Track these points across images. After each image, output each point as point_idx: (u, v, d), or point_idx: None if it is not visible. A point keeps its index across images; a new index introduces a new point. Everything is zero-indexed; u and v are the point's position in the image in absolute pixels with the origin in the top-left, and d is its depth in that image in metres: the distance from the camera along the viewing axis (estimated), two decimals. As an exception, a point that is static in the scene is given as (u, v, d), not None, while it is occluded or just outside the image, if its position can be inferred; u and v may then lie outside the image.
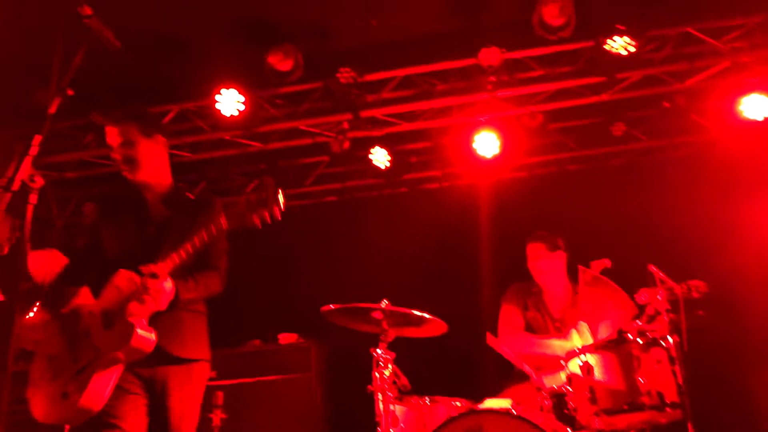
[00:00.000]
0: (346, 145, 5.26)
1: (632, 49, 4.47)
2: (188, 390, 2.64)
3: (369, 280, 5.09)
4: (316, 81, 4.96)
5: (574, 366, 2.97)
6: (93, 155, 5.52)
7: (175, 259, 2.43)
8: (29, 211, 1.72)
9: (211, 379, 4.86)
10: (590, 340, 3.49)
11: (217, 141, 5.46)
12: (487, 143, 5.20)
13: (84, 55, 1.96)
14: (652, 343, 2.88)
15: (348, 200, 6.13)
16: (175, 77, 5.01)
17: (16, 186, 1.69)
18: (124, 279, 2.47)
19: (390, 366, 3.19)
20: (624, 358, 2.84)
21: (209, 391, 4.81)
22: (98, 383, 2.42)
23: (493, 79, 4.76)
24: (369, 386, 3.19)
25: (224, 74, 4.85)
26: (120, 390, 2.50)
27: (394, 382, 3.22)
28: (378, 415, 3.13)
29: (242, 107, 4.90)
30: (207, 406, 4.75)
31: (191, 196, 2.89)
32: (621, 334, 2.98)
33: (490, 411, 2.80)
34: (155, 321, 2.51)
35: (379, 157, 5.44)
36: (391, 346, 3.25)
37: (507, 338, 3.74)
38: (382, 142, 5.42)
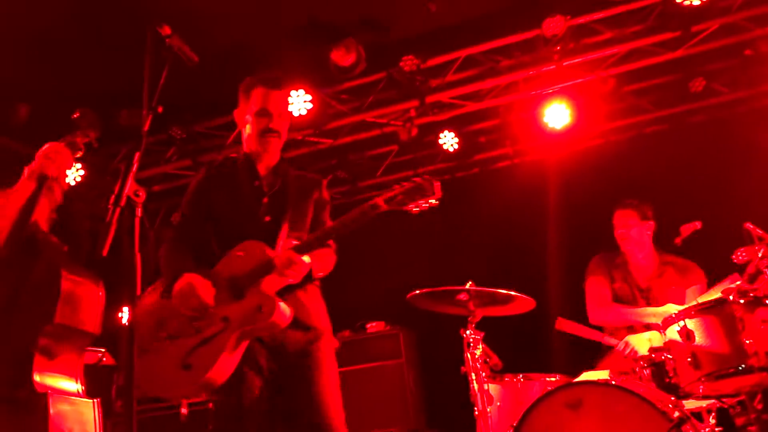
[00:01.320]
0: (414, 132, 5.29)
1: (706, -1, 4.24)
2: (327, 360, 2.57)
3: (451, 263, 5.12)
4: (380, 72, 5.02)
5: (673, 332, 2.88)
6: (175, 167, 5.83)
7: (320, 237, 2.41)
8: (137, 223, 1.85)
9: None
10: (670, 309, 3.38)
11: (289, 142, 5.60)
12: (557, 115, 5.10)
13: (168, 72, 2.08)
14: (756, 302, 2.74)
15: (421, 187, 6.15)
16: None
17: (123, 201, 1.81)
18: (254, 249, 2.40)
19: (480, 346, 3.20)
20: (726, 320, 2.72)
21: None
22: (228, 356, 2.31)
23: (558, 48, 4.65)
24: (462, 367, 3.21)
25: (290, 76, 4.98)
26: (256, 362, 2.42)
27: (486, 362, 3.23)
28: (473, 396, 3.15)
29: (310, 106, 5.02)
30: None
31: (297, 172, 2.80)
32: (721, 296, 2.86)
33: (589, 382, 2.77)
34: (283, 294, 2.44)
35: (448, 141, 5.44)
36: (479, 326, 3.26)
37: (597, 311, 3.67)
38: (450, 125, 5.42)
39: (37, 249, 2.88)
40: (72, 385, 2.85)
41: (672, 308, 3.36)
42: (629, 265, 3.79)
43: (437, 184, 2.34)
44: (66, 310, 2.81)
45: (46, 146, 2.84)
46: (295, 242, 2.39)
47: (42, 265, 2.86)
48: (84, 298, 2.91)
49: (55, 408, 2.66)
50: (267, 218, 2.55)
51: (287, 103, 2.80)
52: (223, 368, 2.32)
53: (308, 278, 2.50)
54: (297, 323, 2.45)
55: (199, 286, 2.39)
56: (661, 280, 3.70)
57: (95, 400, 2.92)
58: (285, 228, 2.50)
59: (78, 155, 2.97)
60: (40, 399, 2.63)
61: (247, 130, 2.66)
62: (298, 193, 2.62)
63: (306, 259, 2.39)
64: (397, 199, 2.34)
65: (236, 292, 2.41)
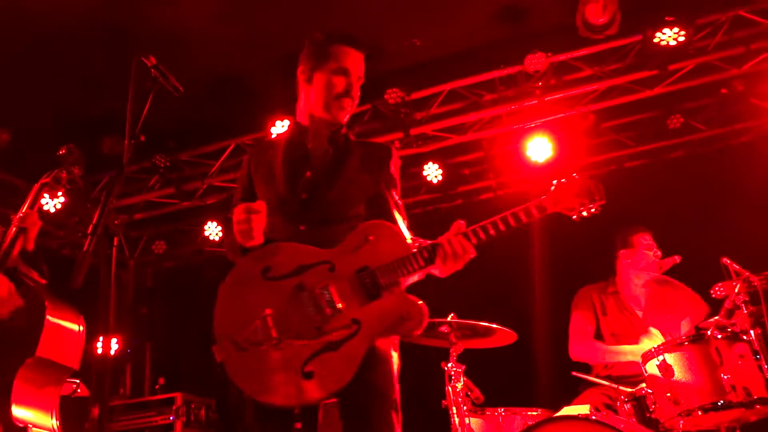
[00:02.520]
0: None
1: (683, 39, 4.37)
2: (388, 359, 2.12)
3: (432, 295, 5.09)
4: (365, 104, 5.07)
5: (652, 367, 2.89)
6: (158, 196, 5.80)
7: (493, 224, 2.02)
8: (114, 252, 1.84)
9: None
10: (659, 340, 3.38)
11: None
12: (539, 148, 5.16)
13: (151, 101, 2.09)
14: (733, 337, 2.78)
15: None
16: (229, 113, 5.22)
17: (100, 230, 1.80)
18: (391, 237, 1.99)
19: (462, 379, 3.18)
20: (704, 355, 2.75)
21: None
22: (357, 364, 1.90)
23: (540, 84, 4.74)
24: (443, 401, 3.19)
25: (276, 105, 5.02)
26: None
27: (467, 395, 3.21)
28: (454, 429, 3.13)
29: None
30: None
31: (361, 139, 2.45)
32: (698, 330, 2.89)
33: (570, 417, 2.75)
34: None
35: (432, 172, 5.48)
36: (461, 359, 3.25)
37: (577, 348, 3.66)
38: (434, 157, 5.46)
39: (19, 283, 2.89)
40: (48, 421, 2.82)
41: (647, 345, 3.36)
42: (621, 293, 3.76)
43: (602, 187, 2.08)
44: (48, 344, 2.81)
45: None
46: (462, 225, 1.99)
47: (25, 299, 2.87)
48: (65, 332, 2.91)
49: None
50: (303, 195, 2.14)
51: (364, 69, 2.28)
52: (349, 378, 1.92)
53: None
54: None
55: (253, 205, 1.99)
56: (655, 309, 3.64)
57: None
58: (348, 194, 2.12)
59: (61, 191, 3.04)
60: None
61: (315, 92, 2.25)
62: (357, 164, 2.20)
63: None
64: (564, 197, 2.06)
65: (371, 291, 1.96)
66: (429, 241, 2.06)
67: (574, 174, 2.09)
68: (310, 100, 2.27)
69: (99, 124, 4.94)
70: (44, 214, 5.43)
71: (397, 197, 2.25)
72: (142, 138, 2.06)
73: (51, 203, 5.38)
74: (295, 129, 2.31)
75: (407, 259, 1.96)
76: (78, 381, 5.03)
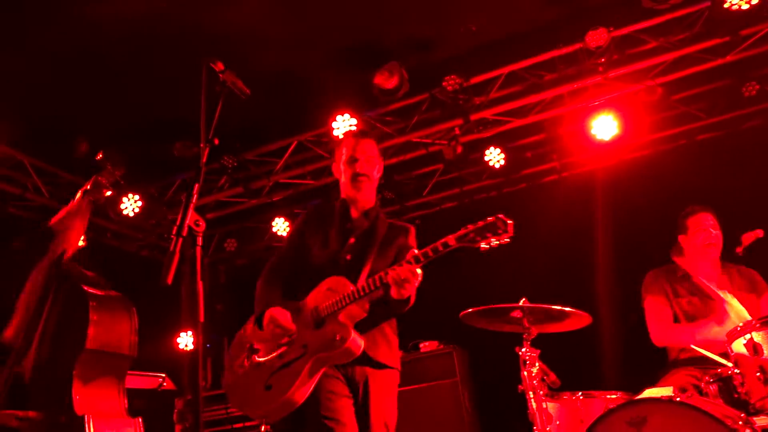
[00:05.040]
0: (459, 150, 5.31)
1: (756, 2, 4.14)
2: (389, 394, 2.66)
3: (502, 281, 5.08)
4: (423, 93, 5.07)
5: (739, 346, 2.78)
6: (227, 196, 6.00)
7: (419, 257, 2.42)
8: (198, 252, 1.92)
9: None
10: (745, 314, 3.24)
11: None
12: (604, 126, 5.03)
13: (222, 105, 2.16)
14: (826, 312, 2.64)
15: (467, 204, 6.16)
16: (291, 111, 5.33)
17: (185, 231, 1.88)
18: (338, 284, 2.56)
19: (537, 363, 3.16)
20: (796, 332, 2.62)
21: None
22: (304, 380, 2.46)
23: (603, 60, 4.61)
24: (519, 386, 3.17)
25: (335, 101, 5.09)
26: (331, 389, 2.53)
27: (543, 380, 3.18)
28: (531, 414, 3.11)
29: (356, 129, 5.10)
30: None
31: (389, 219, 2.95)
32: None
33: (653, 399, 2.68)
34: (359, 327, 2.54)
35: (494, 157, 5.43)
36: (535, 344, 3.22)
37: (660, 334, 3.53)
38: (495, 141, 5.41)
39: (66, 278, 3.07)
40: (112, 406, 2.97)
41: (733, 317, 3.23)
42: (693, 276, 3.63)
43: (510, 223, 2.37)
44: (97, 336, 2.95)
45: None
46: (415, 251, 2.44)
47: (71, 293, 3.03)
48: (115, 323, 3.05)
49: (94, 429, 2.78)
50: (348, 257, 2.71)
51: (374, 150, 2.91)
52: (299, 391, 2.47)
53: (381, 312, 2.61)
54: (365, 357, 2.56)
55: (279, 317, 2.59)
56: (730, 288, 3.52)
57: (137, 420, 3.03)
58: (367, 267, 2.63)
59: (106, 193, 3.21)
60: (80, 422, 2.76)
61: (342, 178, 2.89)
62: (385, 236, 2.77)
63: (419, 271, 2.45)
64: (468, 237, 2.39)
65: (317, 322, 2.57)
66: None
67: (489, 217, 2.40)
68: (342, 184, 2.91)
69: (169, 129, 5.14)
70: (124, 218, 5.71)
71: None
72: (216, 141, 2.14)
73: (129, 207, 5.65)
74: (341, 204, 2.90)
75: (342, 298, 2.53)
76: (164, 375, 5.30)
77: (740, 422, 2.58)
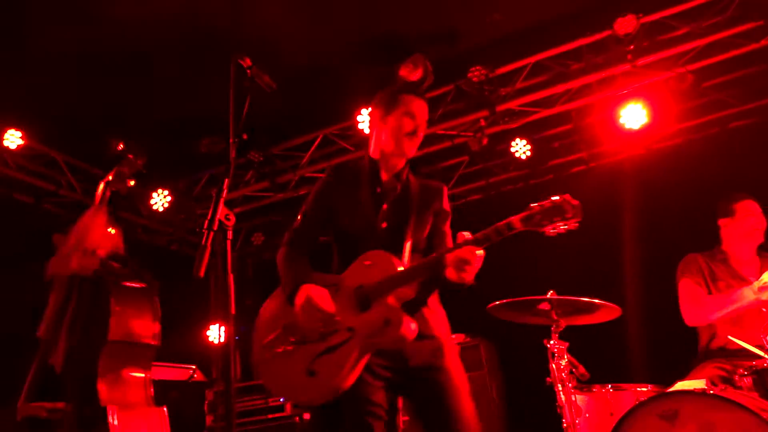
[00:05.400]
0: (485, 141, 5.27)
1: (791, -16, 4.03)
2: (456, 370, 2.43)
3: (529, 273, 5.04)
4: (448, 84, 5.04)
5: (774, 337, 2.72)
6: (253, 190, 6.06)
7: (491, 234, 2.21)
8: (228, 245, 1.95)
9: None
10: None
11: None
12: (634, 115, 4.94)
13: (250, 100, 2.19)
14: None
15: (494, 196, 6.12)
16: (316, 105, 5.35)
17: (215, 225, 1.92)
18: (383, 260, 2.33)
19: (565, 356, 3.14)
20: (835, 324, 2.56)
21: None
22: (351, 367, 2.27)
23: (631, 47, 4.52)
24: (547, 378, 3.16)
25: (360, 94, 5.09)
26: (372, 376, 2.33)
27: (572, 372, 3.16)
28: (560, 407, 3.09)
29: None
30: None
31: (420, 179, 2.68)
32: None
33: (685, 392, 2.64)
34: (407, 308, 2.33)
35: (520, 148, 5.39)
36: (563, 336, 3.20)
37: (693, 310, 3.46)
38: (521, 132, 5.36)
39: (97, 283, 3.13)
40: (137, 395, 3.01)
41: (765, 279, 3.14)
42: (731, 260, 3.57)
43: (577, 205, 2.16)
44: (119, 327, 2.99)
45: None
46: (467, 235, 2.24)
47: (96, 288, 3.08)
48: (137, 313, 3.08)
49: (117, 419, 2.82)
50: (383, 225, 2.47)
51: (427, 113, 2.63)
52: (346, 378, 2.29)
53: (429, 291, 2.42)
54: (420, 336, 2.34)
55: (316, 297, 2.34)
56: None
57: (162, 408, 3.07)
58: (408, 238, 2.42)
59: (129, 183, 3.23)
60: (104, 413, 2.81)
61: (385, 134, 2.56)
62: (420, 200, 2.53)
63: (480, 252, 2.24)
64: (534, 219, 2.18)
65: (362, 303, 2.34)
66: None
67: (554, 197, 2.21)
68: (382, 139, 2.59)
69: (198, 125, 5.21)
70: (153, 213, 5.82)
71: (447, 227, 2.59)
72: (245, 137, 2.16)
73: (159, 203, 5.75)
74: (370, 163, 2.61)
75: (391, 279, 2.31)
76: (194, 367, 5.39)
77: (776, 416, 2.52)
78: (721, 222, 3.62)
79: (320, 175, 5.82)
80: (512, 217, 2.22)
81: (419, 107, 2.57)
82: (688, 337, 3.57)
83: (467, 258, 2.21)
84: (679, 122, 5.31)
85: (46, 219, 5.60)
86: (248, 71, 2.23)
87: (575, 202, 2.16)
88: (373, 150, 2.63)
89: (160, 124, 5.28)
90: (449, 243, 2.50)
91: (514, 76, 4.96)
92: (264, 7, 4.38)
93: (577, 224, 2.17)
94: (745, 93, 5.08)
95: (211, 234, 1.89)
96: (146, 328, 3.15)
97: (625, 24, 4.36)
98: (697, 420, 2.54)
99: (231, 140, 2.12)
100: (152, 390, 3.14)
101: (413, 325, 2.28)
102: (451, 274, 2.24)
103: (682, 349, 3.59)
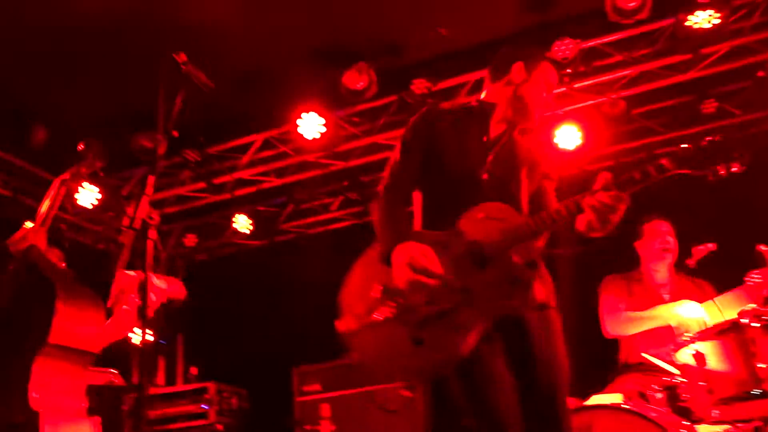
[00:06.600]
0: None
1: (717, 21, 4.27)
2: (559, 330, 2.16)
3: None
4: (391, 95, 5.07)
5: (685, 356, 2.84)
6: (188, 190, 5.90)
7: (624, 184, 1.95)
8: (149, 245, 1.89)
9: (316, 392, 5.09)
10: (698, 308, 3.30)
11: (301, 164, 5.67)
12: (568, 136, 5.10)
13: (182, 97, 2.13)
14: (770, 326, 2.71)
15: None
16: (257, 108, 5.27)
17: (137, 224, 1.85)
18: (503, 213, 2.04)
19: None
20: (740, 344, 2.69)
21: (315, 405, 5.02)
22: (469, 334, 1.93)
23: (569, 70, 4.67)
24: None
25: (303, 99, 5.06)
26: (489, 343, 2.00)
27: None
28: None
29: (323, 129, 5.09)
30: (314, 418, 4.92)
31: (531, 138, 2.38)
32: (735, 319, 2.83)
33: (600, 406, 2.73)
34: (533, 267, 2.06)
35: (460, 163, 5.46)
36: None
37: (610, 322, 3.60)
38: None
39: (34, 270, 2.95)
40: (71, 405, 2.85)
41: (687, 307, 3.29)
42: (647, 280, 3.72)
43: (744, 145, 1.87)
44: (62, 330, 2.82)
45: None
46: (608, 177, 1.93)
47: (38, 286, 2.91)
48: (82, 318, 2.93)
49: (48, 428, 2.65)
50: (485, 176, 2.14)
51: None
52: (462, 347, 1.94)
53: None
54: (541, 305, 2.09)
55: (419, 257, 1.96)
56: (681, 296, 3.60)
57: (95, 418, 2.93)
58: (524, 191, 2.15)
59: (83, 183, 3.08)
60: (35, 420, 2.64)
61: (517, 94, 2.26)
62: (530, 158, 2.24)
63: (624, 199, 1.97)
64: (694, 159, 1.88)
65: (479, 261, 2.00)
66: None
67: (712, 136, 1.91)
68: (513, 88, 2.27)
69: (130, 121, 5.04)
70: (79, 210, 5.57)
71: (553, 192, 2.33)
72: (175, 133, 2.11)
73: (87, 199, 5.51)
74: (482, 109, 2.30)
75: (516, 230, 1.99)
76: (114, 371, 5.17)
77: (682, 430, 2.64)
78: (635, 244, 3.79)
79: (258, 178, 5.81)
80: (663, 159, 1.95)
81: (551, 74, 2.33)
82: (608, 350, 3.69)
83: (612, 204, 1.90)
84: (610, 145, 5.52)
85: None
86: (182, 67, 2.18)
87: (741, 143, 1.87)
88: (491, 94, 2.33)
89: (91, 118, 5.07)
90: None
91: (456, 91, 5.04)
92: (210, 5, 4.30)
93: (744, 167, 1.86)
94: (671, 121, 5.33)
95: (133, 233, 1.82)
96: (90, 334, 2.97)
97: (564, 47, 4.51)
98: (610, 433, 2.62)
99: (159, 136, 2.05)
100: (87, 400, 2.97)
101: (540, 288, 2.01)
102: (585, 224, 1.98)
103: (601, 362, 3.70)
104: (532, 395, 2.02)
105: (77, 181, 3.12)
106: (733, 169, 1.86)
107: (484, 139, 2.22)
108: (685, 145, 1.92)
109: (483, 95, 2.36)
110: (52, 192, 3.06)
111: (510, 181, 2.16)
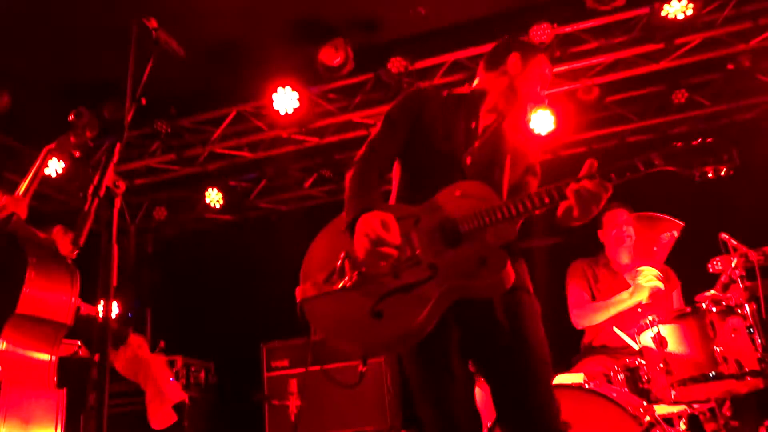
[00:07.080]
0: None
1: (690, 12, 4.32)
2: (534, 311, 2.12)
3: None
4: (368, 73, 5.03)
5: (646, 339, 2.92)
6: (159, 161, 5.79)
7: (610, 176, 1.91)
8: (115, 214, 1.84)
9: (284, 368, 5.10)
10: (654, 277, 3.42)
11: (275, 139, 5.61)
12: (541, 121, 5.14)
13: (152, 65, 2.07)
14: (728, 311, 2.81)
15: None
16: (231, 81, 5.18)
17: (102, 192, 1.79)
18: (480, 192, 1.99)
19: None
20: (699, 328, 2.78)
21: (284, 380, 5.04)
22: (431, 311, 1.87)
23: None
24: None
25: (278, 74, 4.98)
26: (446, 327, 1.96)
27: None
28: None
29: (297, 104, 5.03)
30: (282, 393, 4.94)
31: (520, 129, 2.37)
32: (695, 303, 2.92)
33: (562, 386, 2.79)
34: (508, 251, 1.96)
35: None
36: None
37: (578, 313, 3.69)
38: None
39: (12, 240, 2.87)
40: (38, 377, 2.80)
41: (643, 282, 3.40)
42: (612, 265, 3.80)
43: (734, 149, 1.87)
44: (31, 300, 2.75)
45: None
46: (594, 164, 1.91)
47: (10, 255, 2.83)
48: (53, 289, 2.85)
49: (12, 399, 2.60)
50: (468, 160, 2.12)
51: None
52: (422, 323, 1.88)
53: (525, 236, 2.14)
54: (514, 287, 2.00)
55: (380, 226, 1.90)
56: (640, 248, 3.71)
57: (62, 391, 2.88)
58: (506, 176, 2.12)
59: (75, 154, 3.00)
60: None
61: (511, 86, 2.25)
62: (515, 148, 2.23)
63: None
64: (681, 157, 1.87)
65: (450, 239, 1.95)
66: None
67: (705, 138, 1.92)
68: (501, 78, 2.27)
69: (100, 89, 4.91)
70: (45, 179, 5.43)
71: (535, 187, 2.29)
72: (143, 101, 2.04)
73: (52, 168, 5.37)
74: (474, 96, 2.29)
75: (494, 210, 1.94)
76: (79, 342, 5.10)
77: (641, 410, 2.72)
78: (598, 232, 3.88)
79: (231, 152, 5.73)
80: (652, 153, 1.91)
81: (549, 80, 2.33)
82: (573, 333, 3.78)
83: (596, 191, 1.87)
84: (583, 132, 5.58)
85: None
86: (153, 33, 2.11)
87: (733, 145, 1.87)
88: (484, 81, 2.31)
89: (59, 87, 4.93)
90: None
91: (433, 71, 5.02)
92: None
93: (732, 171, 1.87)
94: (643, 110, 5.40)
95: (96, 200, 1.76)
96: (63, 304, 2.87)
97: (540, 32, 4.52)
98: (571, 412, 2.69)
99: (128, 105, 1.99)
100: (56, 373, 2.91)
101: (512, 272, 1.92)
102: (564, 212, 1.97)
103: (567, 343, 3.78)
104: (509, 383, 1.98)
105: (65, 151, 3.02)
106: (721, 173, 1.88)
107: (473, 125, 2.21)
108: (677, 143, 1.91)
109: (475, 83, 2.35)
110: (37, 162, 2.97)
111: (493, 167, 2.15)
